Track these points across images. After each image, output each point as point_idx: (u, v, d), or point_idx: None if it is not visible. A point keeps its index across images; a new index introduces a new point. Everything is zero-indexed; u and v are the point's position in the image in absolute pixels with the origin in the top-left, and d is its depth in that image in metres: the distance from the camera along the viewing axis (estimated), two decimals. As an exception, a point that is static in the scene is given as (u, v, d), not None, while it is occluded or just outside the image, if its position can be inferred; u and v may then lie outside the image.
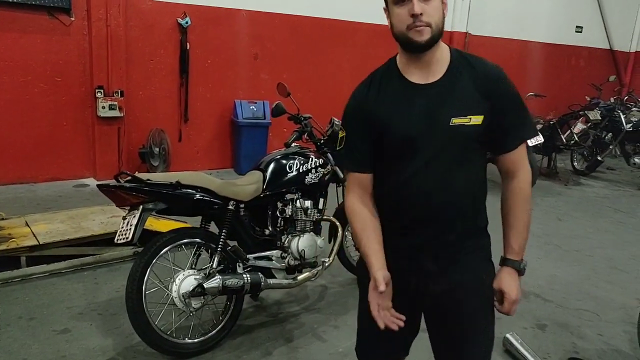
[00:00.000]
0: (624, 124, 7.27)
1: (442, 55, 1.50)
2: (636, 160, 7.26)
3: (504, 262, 1.58)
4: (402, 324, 1.47)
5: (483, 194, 1.61)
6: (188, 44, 6.10)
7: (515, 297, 1.53)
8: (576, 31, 10.31)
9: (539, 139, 6.39)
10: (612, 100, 8.19)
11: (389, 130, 1.52)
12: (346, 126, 1.62)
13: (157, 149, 5.89)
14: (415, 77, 1.51)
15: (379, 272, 1.48)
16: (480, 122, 1.47)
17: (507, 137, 1.53)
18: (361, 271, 1.68)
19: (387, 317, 1.48)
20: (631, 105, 8.28)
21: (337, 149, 1.65)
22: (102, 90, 5.59)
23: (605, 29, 10.67)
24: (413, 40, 1.43)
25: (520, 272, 1.57)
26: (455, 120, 1.46)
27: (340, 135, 1.63)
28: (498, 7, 8.94)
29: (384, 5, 1.51)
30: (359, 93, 1.60)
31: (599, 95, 8.52)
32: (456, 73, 1.49)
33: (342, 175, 3.31)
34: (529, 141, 6.59)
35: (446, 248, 1.56)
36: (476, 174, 1.56)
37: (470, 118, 1.47)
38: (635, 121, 7.34)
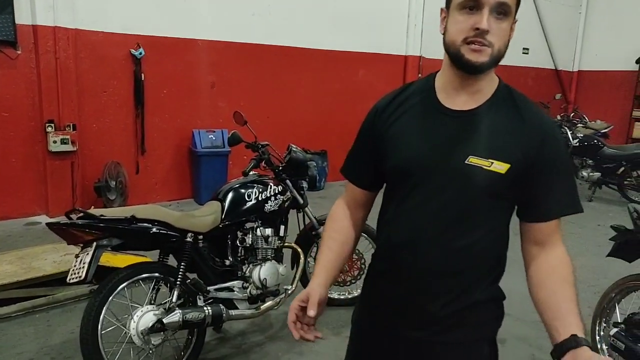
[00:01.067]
0: (571, 139, 7.61)
1: (488, 86, 1.28)
2: (584, 173, 7.59)
3: (576, 342, 1.14)
4: (319, 335, 1.33)
5: (495, 262, 1.34)
6: (142, 74, 6.03)
7: None
8: (523, 53, 10.81)
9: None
10: (559, 117, 8.58)
11: (390, 155, 1.31)
12: (359, 132, 1.46)
13: (114, 182, 5.74)
14: (449, 100, 1.28)
15: (315, 289, 1.30)
16: (503, 172, 1.20)
17: (542, 204, 1.26)
18: (355, 315, 1.53)
19: (304, 329, 1.32)
20: (577, 121, 8.69)
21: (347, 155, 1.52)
22: (52, 125, 5.43)
23: (550, 50, 11.25)
24: (465, 59, 1.20)
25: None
26: (473, 160, 1.21)
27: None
28: (447, 31, 9.28)
29: (443, 5, 1.29)
30: (381, 104, 1.39)
31: (548, 113, 8.91)
32: (495, 108, 1.26)
33: (301, 201, 3.32)
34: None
35: (427, 311, 1.30)
36: (487, 235, 1.27)
37: (492, 162, 1.20)
38: (580, 137, 7.70)
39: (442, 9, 1.29)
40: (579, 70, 11.83)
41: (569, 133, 7.68)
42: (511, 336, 3.30)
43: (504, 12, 1.18)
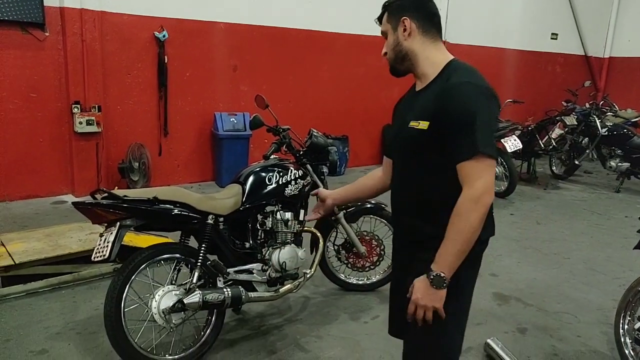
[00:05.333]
0: (600, 128, 7.41)
1: (430, 70, 1.70)
2: (612, 163, 7.40)
3: (425, 274, 1.61)
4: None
5: (442, 203, 1.61)
6: (166, 57, 6.08)
7: (413, 297, 1.62)
8: (551, 38, 10.54)
9: (517, 144, 6.51)
10: (587, 105, 8.36)
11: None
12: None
13: (137, 164, 5.83)
14: (417, 85, 1.78)
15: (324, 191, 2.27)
16: (426, 128, 1.61)
17: (452, 150, 1.57)
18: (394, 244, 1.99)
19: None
20: (606, 109, 8.45)
21: None
22: (78, 106, 5.53)
23: (580, 35, 10.92)
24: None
25: (432, 281, 1.57)
26: (411, 123, 1.68)
27: None
28: (474, 16, 9.10)
29: None
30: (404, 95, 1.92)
31: (575, 100, 8.69)
32: (432, 85, 1.67)
33: (321, 186, 3.31)
34: (507, 147, 6.64)
35: (404, 238, 1.85)
36: (430, 181, 1.67)
37: (420, 122, 1.63)
38: (610, 125, 7.49)
39: None
40: (610, 57, 11.46)
41: (597, 122, 7.48)
42: (532, 326, 3.26)
43: (385, 35, 1.76)
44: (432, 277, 1.57)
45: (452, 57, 1.72)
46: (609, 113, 8.24)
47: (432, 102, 1.61)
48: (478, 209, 1.52)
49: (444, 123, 1.57)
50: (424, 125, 1.61)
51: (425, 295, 1.58)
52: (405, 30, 1.68)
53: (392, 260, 2.04)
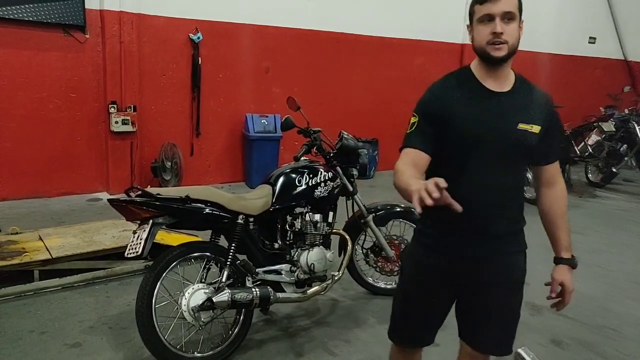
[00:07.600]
0: (639, 135, 7.16)
1: (510, 74, 1.77)
2: (652, 171, 7.14)
3: (561, 260, 1.87)
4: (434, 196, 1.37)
5: (518, 200, 1.83)
6: (200, 58, 6.18)
7: (570, 287, 1.86)
8: (589, 42, 10.25)
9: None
10: (626, 111, 8.09)
11: (460, 126, 1.71)
12: (419, 113, 1.79)
13: (169, 163, 5.94)
14: (491, 85, 1.74)
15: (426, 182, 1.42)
16: (538, 132, 1.73)
17: (549, 152, 1.83)
18: (405, 261, 2.05)
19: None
20: (647, 116, 8.16)
21: (407, 132, 1.81)
22: (115, 106, 5.68)
23: (619, 39, 10.59)
24: (490, 55, 1.67)
25: (574, 265, 1.87)
26: (522, 126, 1.71)
27: (411, 121, 1.80)
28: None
29: (467, 22, 1.78)
30: (436, 89, 1.81)
31: (618, 106, 8.41)
32: (522, 88, 1.77)
33: (351, 189, 3.30)
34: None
35: (484, 236, 1.78)
36: (521, 178, 1.84)
37: (533, 126, 1.72)
38: (650, 132, 7.24)
39: (467, 25, 1.77)
40: (651, 62, 11.08)
41: (637, 128, 7.23)
42: (572, 339, 3.16)
43: (510, 17, 1.65)
44: (574, 262, 1.85)
45: None
46: (649, 120, 7.95)
47: (543, 109, 1.76)
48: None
49: (552, 130, 1.78)
50: (536, 129, 1.72)
51: (572, 280, 1.86)
52: (521, 30, 1.72)
53: (448, 255, 1.82)
